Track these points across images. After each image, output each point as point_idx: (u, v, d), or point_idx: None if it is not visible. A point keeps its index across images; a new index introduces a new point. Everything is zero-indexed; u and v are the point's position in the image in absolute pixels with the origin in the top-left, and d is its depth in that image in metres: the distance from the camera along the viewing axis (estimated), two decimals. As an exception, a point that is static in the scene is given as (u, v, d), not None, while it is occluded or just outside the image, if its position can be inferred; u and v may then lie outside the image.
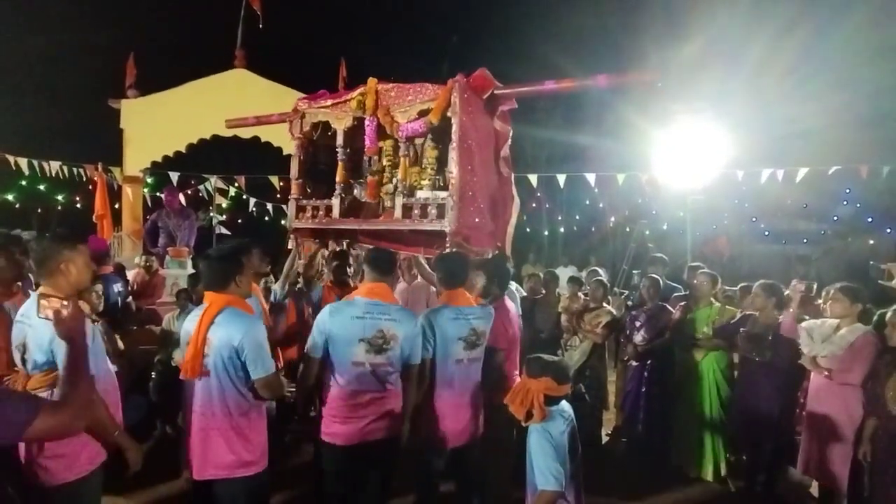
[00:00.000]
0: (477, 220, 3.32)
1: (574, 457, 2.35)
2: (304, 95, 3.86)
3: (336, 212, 3.64)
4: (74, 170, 8.88)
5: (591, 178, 8.55)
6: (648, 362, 4.62)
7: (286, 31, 11.56)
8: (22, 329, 2.32)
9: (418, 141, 3.60)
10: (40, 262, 2.34)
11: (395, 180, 3.57)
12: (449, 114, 3.15)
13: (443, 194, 3.26)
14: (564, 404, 2.43)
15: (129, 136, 8.16)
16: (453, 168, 3.15)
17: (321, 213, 3.70)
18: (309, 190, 3.89)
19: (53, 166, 8.55)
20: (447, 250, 3.11)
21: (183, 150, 8.25)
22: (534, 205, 15.78)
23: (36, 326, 2.24)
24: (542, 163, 14.56)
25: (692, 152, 6.48)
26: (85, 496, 2.25)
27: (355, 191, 3.84)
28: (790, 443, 3.75)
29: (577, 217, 17.66)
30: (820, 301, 4.06)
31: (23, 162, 8.23)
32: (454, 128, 3.14)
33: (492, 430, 3.03)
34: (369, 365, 2.64)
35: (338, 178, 3.65)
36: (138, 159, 8.25)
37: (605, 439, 5.07)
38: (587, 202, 15.61)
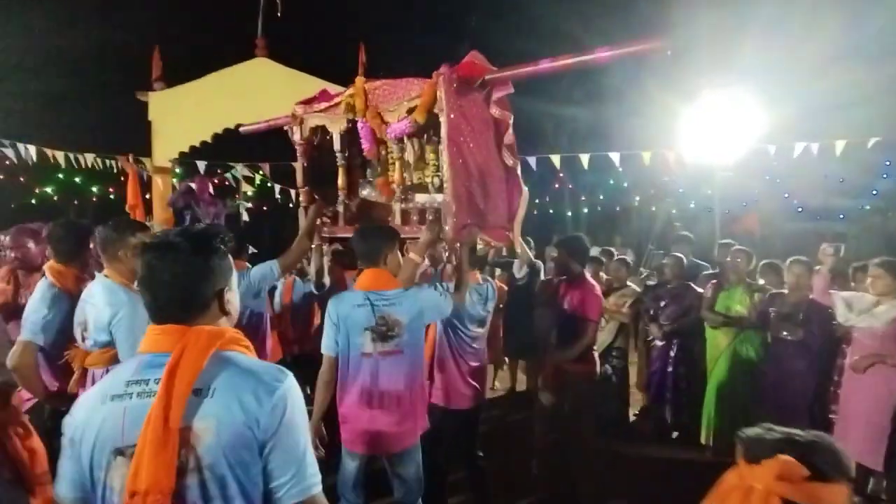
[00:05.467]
0: (473, 220, 3.06)
1: None
2: (300, 100, 3.59)
3: (340, 220, 3.42)
4: (107, 162, 9.17)
5: (615, 157, 8.33)
6: (675, 342, 4.58)
7: (306, 18, 11.57)
8: (84, 308, 2.42)
9: (417, 139, 3.39)
10: (103, 248, 2.48)
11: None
12: (435, 110, 2.90)
13: (440, 198, 3.04)
14: None
15: (157, 127, 8.33)
16: (445, 168, 2.91)
17: (329, 220, 3.47)
18: (316, 197, 3.61)
19: (88, 159, 8.85)
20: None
21: (209, 141, 8.40)
22: (556, 185, 15.58)
23: (99, 307, 2.35)
24: (563, 141, 14.31)
25: (721, 127, 6.29)
26: None
27: (365, 191, 3.63)
28: (825, 422, 3.68)
29: (601, 197, 17.37)
30: (853, 282, 3.94)
31: (59, 156, 8.53)
32: (442, 126, 2.90)
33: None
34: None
35: (339, 184, 3.42)
36: (167, 150, 8.42)
37: (632, 419, 5.07)
38: (611, 181, 15.30)
